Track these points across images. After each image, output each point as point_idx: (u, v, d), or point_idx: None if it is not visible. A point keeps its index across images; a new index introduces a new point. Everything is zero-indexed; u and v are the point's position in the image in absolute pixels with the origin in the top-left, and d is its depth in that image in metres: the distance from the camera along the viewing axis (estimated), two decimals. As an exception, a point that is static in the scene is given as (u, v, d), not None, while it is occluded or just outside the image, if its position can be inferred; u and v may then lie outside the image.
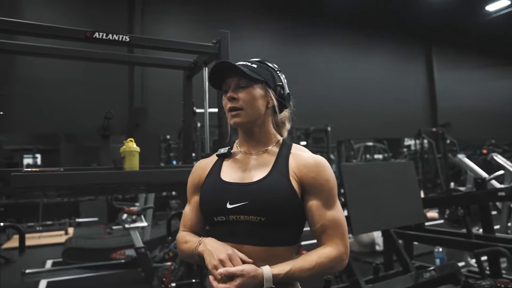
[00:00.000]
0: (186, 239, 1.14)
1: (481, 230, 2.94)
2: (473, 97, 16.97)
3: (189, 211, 1.20)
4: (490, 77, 18.15)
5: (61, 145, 10.49)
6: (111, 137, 2.25)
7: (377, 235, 4.70)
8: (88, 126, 8.60)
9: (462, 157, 4.28)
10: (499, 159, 4.79)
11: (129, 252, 4.77)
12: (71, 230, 7.14)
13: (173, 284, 2.13)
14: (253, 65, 1.13)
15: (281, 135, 1.22)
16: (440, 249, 3.78)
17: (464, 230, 2.83)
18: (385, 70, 14.39)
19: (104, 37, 1.58)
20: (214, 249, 1.03)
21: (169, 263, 3.53)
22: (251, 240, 1.04)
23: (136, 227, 3.52)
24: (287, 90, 1.20)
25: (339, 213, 1.09)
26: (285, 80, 1.21)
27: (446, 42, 16.09)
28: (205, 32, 10.37)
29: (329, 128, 9.55)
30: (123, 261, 4.66)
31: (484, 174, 3.75)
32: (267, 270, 0.98)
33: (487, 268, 2.65)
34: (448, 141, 11.02)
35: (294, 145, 1.17)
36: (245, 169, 1.12)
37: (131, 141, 1.75)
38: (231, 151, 1.20)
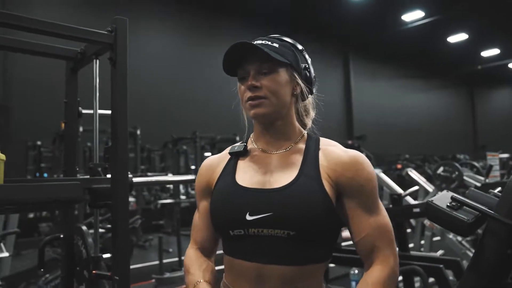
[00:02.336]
0: (190, 269, 1.12)
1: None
2: (389, 109, 18.74)
3: (198, 220, 1.17)
4: (405, 89, 20.24)
5: None
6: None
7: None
8: None
9: (378, 172, 4.70)
10: (414, 174, 5.36)
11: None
12: None
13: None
14: (274, 44, 1.08)
15: (305, 126, 1.20)
16: (356, 271, 4.07)
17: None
18: (301, 75, 15.17)
19: (-38, 11, 1.43)
20: None
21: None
22: (276, 259, 0.99)
23: (-6, 259, 3.17)
24: (313, 73, 1.17)
25: (384, 217, 1.07)
26: (310, 60, 1.17)
27: (364, 51, 17.59)
28: (92, 18, 9.93)
29: (237, 138, 9.71)
30: (-29, 304, 4.16)
31: (399, 190, 4.15)
32: None
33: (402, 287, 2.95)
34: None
35: (322, 139, 1.14)
36: (265, 171, 1.08)
37: (-5, 146, 1.60)
38: (247, 148, 1.16)
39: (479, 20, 15.96)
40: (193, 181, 2.27)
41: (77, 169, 2.26)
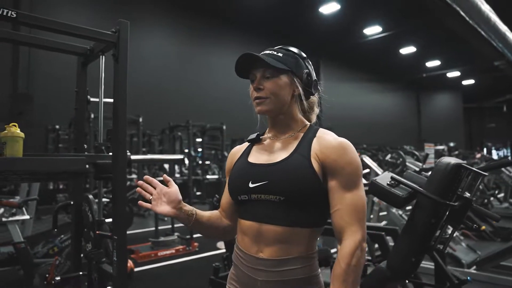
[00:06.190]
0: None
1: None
2: (351, 106, 18.92)
3: (225, 191, 1.22)
4: (365, 91, 20.48)
5: None
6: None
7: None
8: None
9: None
10: (367, 160, 5.45)
11: (4, 249, 4.21)
12: None
13: (58, 278, 1.96)
14: (279, 54, 1.11)
15: (309, 120, 1.21)
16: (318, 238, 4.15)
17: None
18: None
19: (-16, 10, 1.39)
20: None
21: (53, 259, 3.23)
22: (271, 220, 1.02)
23: (16, 221, 3.13)
24: (314, 77, 1.16)
25: (359, 197, 1.02)
26: (312, 67, 1.18)
27: (332, 57, 17.66)
28: (105, 22, 9.70)
29: (224, 127, 9.68)
30: (-4, 259, 4.09)
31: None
32: None
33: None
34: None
35: (321, 129, 1.14)
36: (270, 152, 1.12)
37: (14, 126, 1.57)
38: (262, 137, 1.20)
39: (425, 36, 16.14)
40: (177, 160, 2.28)
41: (86, 147, 2.23)
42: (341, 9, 13.23)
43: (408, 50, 18.07)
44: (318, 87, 1.20)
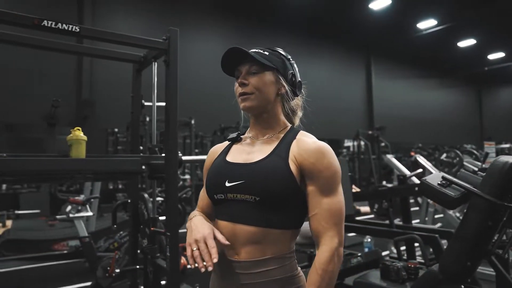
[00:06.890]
0: (191, 215, 1.13)
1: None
2: (405, 104, 18.16)
3: (202, 192, 1.20)
4: (420, 87, 19.53)
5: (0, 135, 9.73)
6: (57, 127, 2.19)
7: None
8: (32, 115, 8.10)
9: (390, 157, 4.61)
10: (421, 159, 5.22)
11: (72, 243, 4.59)
12: (9, 223, 6.65)
13: (117, 271, 2.11)
14: (265, 53, 1.11)
15: (292, 123, 1.19)
16: (369, 239, 4.05)
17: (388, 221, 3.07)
18: (329, 74, 14.96)
19: (53, 25, 1.53)
20: (195, 227, 1.02)
21: (113, 253, 3.46)
22: (245, 220, 1.01)
23: (81, 217, 3.41)
24: (298, 78, 1.16)
25: (337, 202, 1.02)
26: (297, 69, 1.17)
27: (384, 53, 17.05)
28: (158, 28, 10.19)
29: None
30: (66, 252, 4.47)
31: (407, 172, 4.06)
32: None
33: (404, 253, 2.91)
34: (382, 144, 11.72)
35: (302, 132, 1.12)
36: (249, 152, 1.10)
37: (78, 129, 1.72)
38: (242, 136, 1.19)
39: (486, 27, 15.07)
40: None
41: (142, 149, 2.38)
42: (392, 3, 12.75)
43: (467, 43, 16.97)
44: (302, 90, 1.18)
